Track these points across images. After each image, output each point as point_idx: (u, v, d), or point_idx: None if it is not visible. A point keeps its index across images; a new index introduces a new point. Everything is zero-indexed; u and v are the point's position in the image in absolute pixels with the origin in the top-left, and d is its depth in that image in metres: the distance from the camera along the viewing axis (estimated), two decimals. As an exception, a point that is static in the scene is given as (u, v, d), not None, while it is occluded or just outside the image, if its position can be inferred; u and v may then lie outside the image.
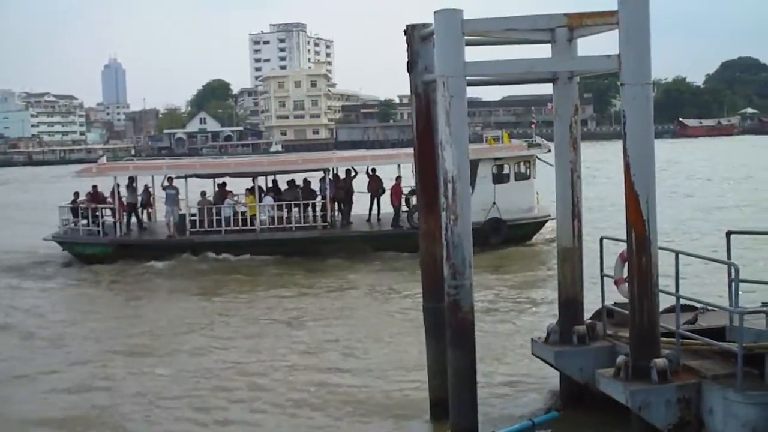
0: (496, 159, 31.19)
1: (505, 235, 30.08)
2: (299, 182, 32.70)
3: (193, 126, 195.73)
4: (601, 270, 13.03)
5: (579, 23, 11.66)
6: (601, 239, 13.03)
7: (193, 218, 30.87)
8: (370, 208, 32.88)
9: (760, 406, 9.98)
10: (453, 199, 10.92)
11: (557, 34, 12.15)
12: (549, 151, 31.80)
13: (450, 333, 11.26)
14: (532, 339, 13.54)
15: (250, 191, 32.10)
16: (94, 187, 32.82)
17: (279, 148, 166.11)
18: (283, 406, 14.46)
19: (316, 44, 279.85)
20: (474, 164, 30.90)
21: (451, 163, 10.89)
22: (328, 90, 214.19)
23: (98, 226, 31.40)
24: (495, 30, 11.89)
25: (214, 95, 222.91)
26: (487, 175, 30.79)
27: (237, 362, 17.10)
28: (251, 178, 32.39)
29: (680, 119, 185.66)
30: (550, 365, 13.01)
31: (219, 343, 18.90)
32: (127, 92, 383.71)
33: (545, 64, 12.15)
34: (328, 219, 31.24)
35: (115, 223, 31.76)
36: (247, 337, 19.35)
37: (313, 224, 31.40)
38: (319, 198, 31.93)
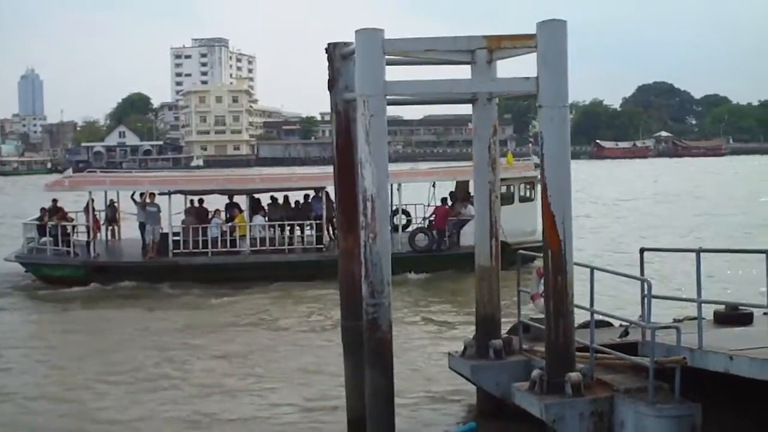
0: (501, 180, 29.51)
1: (510, 260, 28.30)
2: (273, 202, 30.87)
3: (112, 139, 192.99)
4: (518, 285, 13.29)
5: (498, 45, 11.85)
6: (519, 255, 13.26)
7: (176, 238, 28.50)
8: None
9: (670, 419, 10.25)
10: (372, 218, 10.95)
11: (477, 56, 12.31)
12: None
13: (368, 352, 11.24)
14: (449, 353, 13.65)
15: (238, 210, 30.12)
16: (54, 201, 30.60)
17: (200, 163, 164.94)
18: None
19: (239, 60, 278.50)
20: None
21: (370, 181, 10.92)
22: (250, 106, 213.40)
23: (68, 246, 28.59)
24: (415, 50, 11.99)
25: (133, 109, 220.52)
26: None
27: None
28: (228, 196, 30.85)
29: (597, 141, 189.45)
30: (467, 379, 13.14)
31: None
32: (44, 104, 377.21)
33: (464, 85, 12.29)
34: (324, 241, 29.10)
35: (88, 242, 28.95)
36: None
37: (308, 246, 29.43)
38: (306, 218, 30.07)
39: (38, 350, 20.12)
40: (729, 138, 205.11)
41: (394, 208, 31.99)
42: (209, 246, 28.49)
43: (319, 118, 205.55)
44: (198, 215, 29.57)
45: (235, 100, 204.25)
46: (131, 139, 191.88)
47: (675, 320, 13.42)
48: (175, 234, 28.67)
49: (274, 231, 29.33)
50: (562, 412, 10.66)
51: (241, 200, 30.59)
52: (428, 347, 18.97)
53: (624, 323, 13.01)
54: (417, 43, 11.78)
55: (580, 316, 12.32)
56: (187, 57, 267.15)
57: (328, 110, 12.86)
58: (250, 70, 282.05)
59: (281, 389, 16.19)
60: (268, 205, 30.58)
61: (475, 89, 12.64)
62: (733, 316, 13.21)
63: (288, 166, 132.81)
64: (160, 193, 29.50)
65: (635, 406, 10.48)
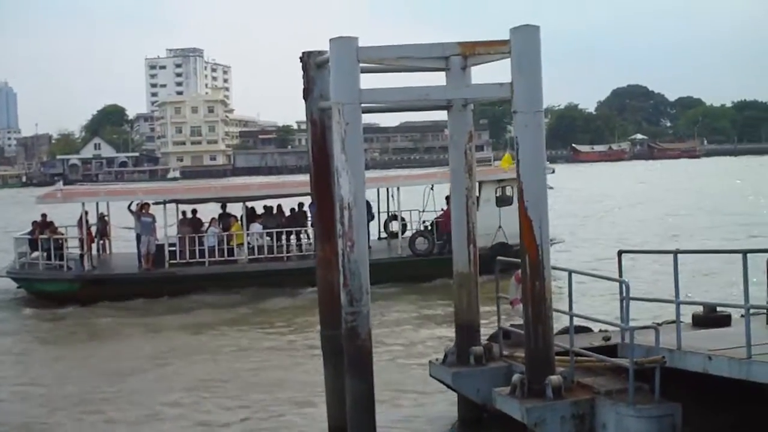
0: (500, 181, 29.53)
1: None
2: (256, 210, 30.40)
3: (88, 152, 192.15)
4: (497, 291, 13.29)
5: (472, 52, 11.87)
6: (497, 260, 13.28)
7: (172, 249, 27.95)
8: None
9: (650, 420, 10.32)
10: (349, 226, 10.97)
11: (451, 62, 12.35)
12: (553, 171, 31.71)
13: (348, 360, 11.24)
14: (429, 361, 13.65)
15: (235, 218, 29.51)
16: (44, 215, 29.91)
17: (177, 174, 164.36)
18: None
19: (214, 69, 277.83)
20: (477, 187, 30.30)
21: (347, 190, 10.94)
22: (226, 116, 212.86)
23: (61, 259, 27.82)
24: (390, 57, 11.99)
25: (109, 120, 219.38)
26: (490, 198, 29.04)
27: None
28: (221, 206, 30.45)
29: (573, 145, 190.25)
30: (448, 386, 13.14)
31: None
32: (18, 117, 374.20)
33: (439, 91, 12.31)
34: None
35: (81, 255, 28.24)
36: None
37: (306, 253, 28.60)
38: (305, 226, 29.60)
39: (29, 370, 19.74)
40: (703, 139, 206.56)
41: (392, 213, 31.87)
42: (206, 255, 28.09)
43: (295, 126, 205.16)
44: (192, 226, 29.19)
45: (210, 110, 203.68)
46: (107, 151, 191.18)
47: (654, 323, 13.48)
48: (171, 245, 28.18)
49: (272, 239, 29.00)
50: (543, 415, 10.69)
51: (233, 210, 30.40)
52: (411, 354, 18.96)
53: (603, 326, 13.06)
54: (391, 50, 11.80)
55: (565, 322, 12.36)
56: (162, 68, 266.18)
57: (304, 119, 12.85)
58: (225, 80, 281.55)
59: (263, 398, 16.13)
60: (261, 214, 30.36)
61: (449, 96, 12.66)
62: (711, 318, 13.28)
63: (265, 175, 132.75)
64: (155, 203, 29.07)
65: (616, 407, 10.53)
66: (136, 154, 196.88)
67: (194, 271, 27.79)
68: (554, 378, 10.87)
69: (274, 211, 30.85)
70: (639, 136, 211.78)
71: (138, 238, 28.40)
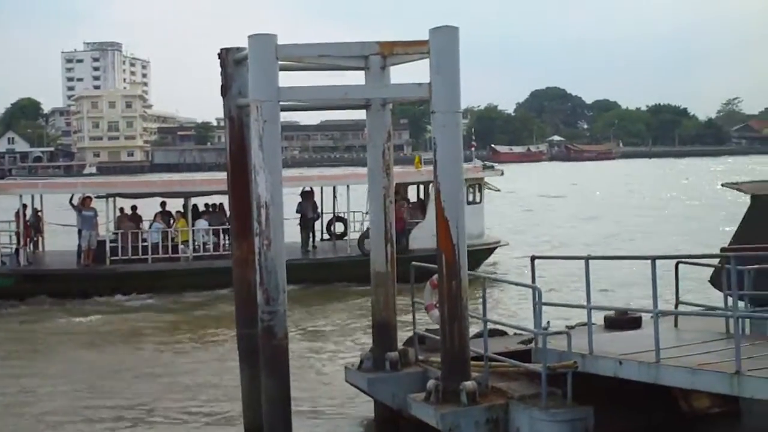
0: None
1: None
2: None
3: (1, 146, 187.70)
4: (412, 296, 13.24)
5: (391, 51, 11.84)
6: (412, 266, 13.20)
7: (113, 245, 26.99)
8: (306, 235, 29.93)
9: (563, 423, 10.41)
10: (266, 225, 10.84)
11: (371, 62, 12.28)
12: (502, 173, 31.95)
13: (264, 360, 11.10)
14: (345, 366, 13.57)
15: (181, 214, 28.61)
16: None
17: (93, 170, 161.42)
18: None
19: (132, 64, 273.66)
20: (425, 187, 29.52)
21: (264, 188, 10.80)
22: (144, 111, 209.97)
23: None
24: (309, 56, 11.90)
25: (23, 114, 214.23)
26: None
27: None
28: (160, 204, 29.34)
29: (492, 146, 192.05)
30: (364, 392, 13.05)
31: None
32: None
33: (358, 90, 12.23)
34: None
35: (17, 250, 27.32)
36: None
37: None
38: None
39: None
40: (619, 142, 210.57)
41: (337, 213, 31.41)
42: (149, 252, 27.29)
43: (214, 123, 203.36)
44: (133, 222, 28.33)
45: (128, 105, 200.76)
46: (21, 146, 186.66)
47: (567, 327, 13.63)
48: (112, 240, 27.30)
49: (218, 237, 28.28)
50: (457, 420, 10.68)
51: (172, 208, 29.56)
52: (333, 358, 18.80)
53: (517, 332, 13.16)
54: (310, 48, 11.72)
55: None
56: (79, 61, 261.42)
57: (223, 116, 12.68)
58: (144, 75, 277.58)
59: (180, 400, 15.88)
60: (203, 211, 29.67)
61: (368, 95, 12.59)
62: (623, 321, 13.47)
63: (183, 172, 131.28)
64: (97, 197, 28.26)
65: (529, 411, 10.59)
66: (52, 148, 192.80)
67: (136, 268, 27.00)
68: (468, 384, 10.87)
69: (217, 209, 30.15)
70: (556, 137, 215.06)
71: (79, 232, 27.51)
